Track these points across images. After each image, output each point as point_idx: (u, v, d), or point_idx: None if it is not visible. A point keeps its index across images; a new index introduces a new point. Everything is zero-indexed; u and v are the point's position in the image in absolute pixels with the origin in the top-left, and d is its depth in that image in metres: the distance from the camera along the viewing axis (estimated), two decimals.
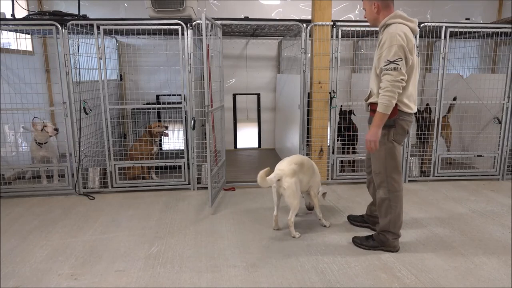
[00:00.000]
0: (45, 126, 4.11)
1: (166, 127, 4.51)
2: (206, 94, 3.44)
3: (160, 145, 5.08)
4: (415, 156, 4.62)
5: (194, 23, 3.94)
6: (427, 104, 4.60)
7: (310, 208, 3.52)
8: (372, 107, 2.76)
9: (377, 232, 2.91)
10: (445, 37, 4.26)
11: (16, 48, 4.63)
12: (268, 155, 5.91)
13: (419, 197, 4.06)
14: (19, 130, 4.46)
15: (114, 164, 4.18)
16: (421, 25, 4.09)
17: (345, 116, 4.58)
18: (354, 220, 3.35)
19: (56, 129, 4.16)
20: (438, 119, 4.45)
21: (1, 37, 4.29)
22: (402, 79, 2.50)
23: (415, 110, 2.71)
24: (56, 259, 2.78)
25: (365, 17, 2.81)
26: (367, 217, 3.27)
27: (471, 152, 4.75)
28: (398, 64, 2.48)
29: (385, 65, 2.52)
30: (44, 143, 4.20)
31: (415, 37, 2.68)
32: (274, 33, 5.51)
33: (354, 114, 4.66)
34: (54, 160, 4.33)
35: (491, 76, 4.61)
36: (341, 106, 4.53)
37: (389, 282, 2.47)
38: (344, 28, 4.16)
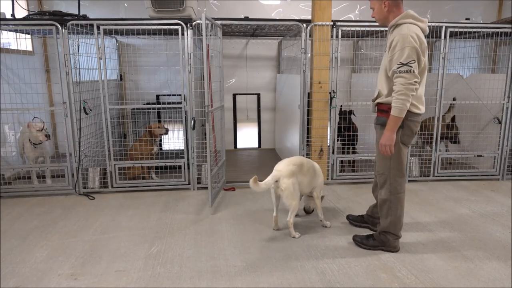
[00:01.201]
0: (39, 129, 4.07)
1: (167, 130, 4.51)
2: (206, 94, 3.44)
3: (160, 145, 5.08)
4: (415, 156, 4.62)
5: (194, 23, 3.94)
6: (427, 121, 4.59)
7: (308, 211, 3.52)
8: (380, 107, 2.75)
9: (378, 232, 2.90)
10: (445, 37, 4.27)
11: (16, 48, 4.63)
12: (268, 155, 5.91)
13: (419, 197, 4.06)
14: (18, 130, 4.46)
15: (114, 164, 4.18)
16: None
17: (345, 116, 4.58)
18: (353, 220, 3.35)
19: (47, 135, 4.10)
20: (438, 119, 4.45)
21: (1, 37, 4.29)
22: (415, 82, 2.48)
23: (423, 111, 2.68)
24: (56, 259, 2.78)
25: (373, 16, 2.76)
26: (367, 217, 3.27)
27: (471, 152, 4.75)
28: (411, 67, 2.46)
29: (398, 68, 2.49)
30: (38, 144, 4.19)
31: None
32: (274, 33, 5.51)
33: (354, 115, 4.65)
34: (47, 159, 4.31)
35: (491, 76, 4.61)
36: (341, 106, 4.53)
37: (389, 282, 2.47)
38: (344, 28, 4.16)
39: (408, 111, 2.59)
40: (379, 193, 2.86)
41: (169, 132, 4.55)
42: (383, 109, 2.70)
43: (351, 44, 6.10)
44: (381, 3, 2.66)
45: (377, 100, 2.76)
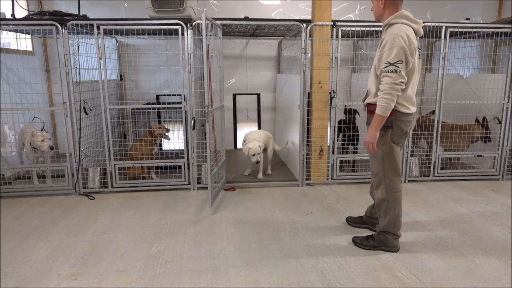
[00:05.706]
0: (43, 140, 4.05)
1: (168, 130, 4.50)
2: (206, 94, 3.44)
3: (160, 145, 5.08)
4: (415, 156, 4.62)
5: (194, 23, 3.94)
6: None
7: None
8: (369, 107, 2.75)
9: (377, 232, 2.90)
10: (445, 37, 4.27)
11: (16, 48, 4.63)
12: None
13: (419, 197, 4.06)
14: (18, 130, 4.46)
15: (114, 164, 4.18)
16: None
17: (349, 116, 4.57)
18: (352, 221, 3.35)
19: (51, 147, 4.09)
20: (438, 119, 4.45)
21: (1, 37, 4.29)
22: (401, 82, 2.49)
23: (413, 111, 2.69)
24: (56, 259, 2.78)
25: (372, 10, 2.78)
26: (366, 218, 3.27)
27: (471, 152, 4.75)
28: (398, 67, 2.47)
29: (385, 67, 2.50)
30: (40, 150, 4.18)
31: (418, 39, 2.66)
32: (274, 33, 5.51)
33: (359, 114, 4.65)
34: (47, 159, 4.31)
35: (491, 76, 4.61)
36: (345, 105, 4.53)
37: (389, 282, 2.47)
38: (344, 28, 4.16)
39: (398, 111, 2.61)
40: (375, 193, 2.86)
41: (169, 136, 4.54)
42: (372, 110, 2.70)
43: (351, 44, 6.09)
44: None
45: (366, 101, 2.77)
